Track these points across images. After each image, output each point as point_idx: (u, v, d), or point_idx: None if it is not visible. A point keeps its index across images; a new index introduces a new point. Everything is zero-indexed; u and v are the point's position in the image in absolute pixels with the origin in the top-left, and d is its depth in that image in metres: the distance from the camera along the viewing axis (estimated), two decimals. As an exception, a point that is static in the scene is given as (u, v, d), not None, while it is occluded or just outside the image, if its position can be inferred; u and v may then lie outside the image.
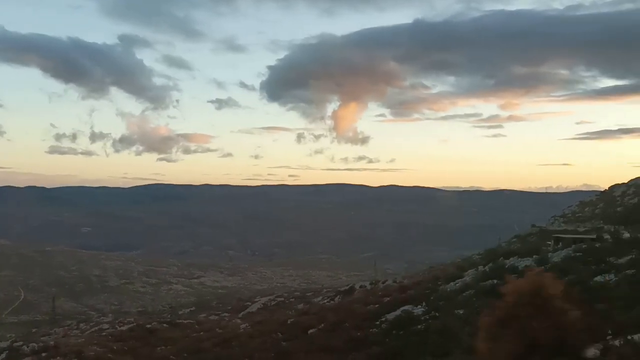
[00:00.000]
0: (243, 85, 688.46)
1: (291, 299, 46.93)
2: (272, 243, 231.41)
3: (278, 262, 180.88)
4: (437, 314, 18.73)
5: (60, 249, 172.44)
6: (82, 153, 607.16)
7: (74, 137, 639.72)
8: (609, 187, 74.14)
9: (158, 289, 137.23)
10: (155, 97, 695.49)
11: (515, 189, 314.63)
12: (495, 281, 19.11)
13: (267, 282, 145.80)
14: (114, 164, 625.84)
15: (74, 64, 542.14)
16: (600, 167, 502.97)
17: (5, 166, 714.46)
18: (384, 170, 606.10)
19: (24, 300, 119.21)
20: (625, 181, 71.77)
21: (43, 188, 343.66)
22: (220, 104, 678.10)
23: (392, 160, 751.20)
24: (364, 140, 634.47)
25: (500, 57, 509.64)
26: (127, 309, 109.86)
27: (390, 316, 19.64)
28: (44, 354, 24.46)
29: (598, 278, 17.12)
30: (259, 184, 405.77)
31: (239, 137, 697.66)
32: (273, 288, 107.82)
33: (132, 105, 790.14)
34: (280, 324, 24.26)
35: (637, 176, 70.41)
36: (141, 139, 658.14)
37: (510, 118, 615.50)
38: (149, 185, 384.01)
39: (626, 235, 22.95)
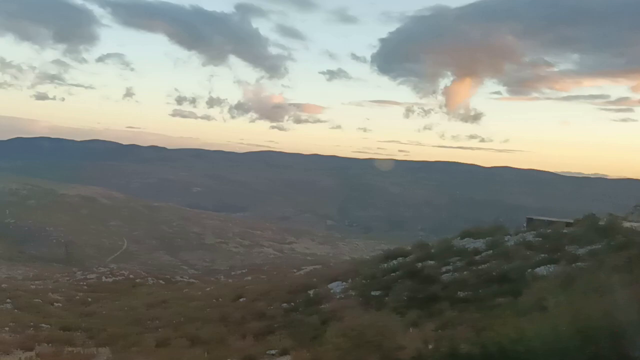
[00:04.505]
0: (354, 57, 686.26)
1: (326, 268, 44.95)
2: (372, 216, 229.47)
3: (373, 235, 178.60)
4: (353, 293, 15.89)
5: (166, 205, 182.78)
6: (201, 117, 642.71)
7: (194, 101, 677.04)
8: None
9: (250, 251, 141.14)
10: (270, 66, 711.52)
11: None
12: (429, 262, 15.80)
13: (357, 253, 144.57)
14: (230, 129, 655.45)
15: (196, 31, 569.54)
16: None
17: (135, 126, 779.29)
18: (497, 150, 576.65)
19: (126, 250, 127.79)
20: None
21: (164, 148, 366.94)
22: (331, 75, 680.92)
23: (506, 141, 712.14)
24: (477, 118, 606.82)
25: (632, 34, 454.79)
26: (218, 266, 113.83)
27: (312, 292, 17.06)
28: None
29: (541, 269, 13.34)
30: (368, 157, 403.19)
31: (349, 109, 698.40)
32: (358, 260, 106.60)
33: (248, 73, 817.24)
34: (233, 289, 22.47)
35: None
36: (256, 106, 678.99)
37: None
38: (262, 152, 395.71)
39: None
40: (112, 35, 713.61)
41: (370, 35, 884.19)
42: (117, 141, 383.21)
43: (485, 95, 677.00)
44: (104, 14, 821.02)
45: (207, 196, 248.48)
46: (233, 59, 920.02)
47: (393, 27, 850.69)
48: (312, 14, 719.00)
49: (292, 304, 16.52)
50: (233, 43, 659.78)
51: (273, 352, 10.42)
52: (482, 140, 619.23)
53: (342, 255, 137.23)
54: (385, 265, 17.45)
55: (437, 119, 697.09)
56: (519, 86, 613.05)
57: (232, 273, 61.86)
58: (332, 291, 16.37)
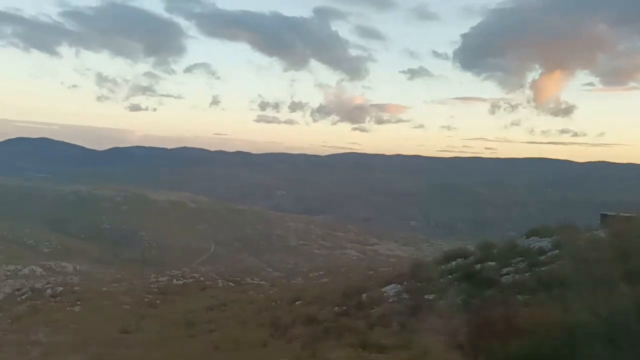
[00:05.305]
0: (435, 54, 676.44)
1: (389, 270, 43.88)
2: (458, 217, 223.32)
3: (459, 237, 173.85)
4: (406, 297, 15.03)
5: (250, 208, 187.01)
6: (284, 122, 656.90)
7: (277, 106, 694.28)
8: None
9: (332, 253, 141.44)
10: (351, 68, 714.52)
11: None
12: (489, 263, 14.61)
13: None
14: (313, 132, 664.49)
15: (277, 38, 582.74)
16: None
17: (222, 132, 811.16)
18: (591, 144, 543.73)
19: (213, 253, 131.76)
20: None
21: (249, 153, 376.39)
22: (412, 73, 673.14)
23: (601, 134, 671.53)
24: (568, 112, 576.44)
25: None
26: (301, 268, 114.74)
27: (366, 295, 16.28)
28: (59, 298, 25.49)
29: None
30: (452, 156, 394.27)
31: (432, 108, 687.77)
32: (417, 261, 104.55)
33: (329, 76, 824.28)
34: (297, 291, 22.09)
35: None
36: (337, 109, 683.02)
37: None
38: (344, 154, 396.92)
39: None
40: (198, 46, 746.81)
41: (451, 31, 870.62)
42: (205, 148, 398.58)
43: (577, 87, 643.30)
44: (190, 26, 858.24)
45: (290, 199, 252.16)
46: (313, 63, 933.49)
47: (475, 21, 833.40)
48: (391, 14, 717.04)
49: (344, 307, 15.82)
50: (313, 47, 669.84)
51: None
52: (575, 134, 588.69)
53: (426, 257, 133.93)
54: (443, 266, 16.38)
55: (526, 114, 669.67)
56: (614, 76, 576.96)
57: (310, 275, 61.80)
58: (385, 294, 15.52)
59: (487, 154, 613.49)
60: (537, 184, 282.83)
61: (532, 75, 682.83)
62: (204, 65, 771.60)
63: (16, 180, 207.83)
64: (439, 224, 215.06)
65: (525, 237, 16.53)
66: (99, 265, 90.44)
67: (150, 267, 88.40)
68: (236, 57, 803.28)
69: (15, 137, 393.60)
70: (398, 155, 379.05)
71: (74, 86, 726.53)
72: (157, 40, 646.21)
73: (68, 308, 22.71)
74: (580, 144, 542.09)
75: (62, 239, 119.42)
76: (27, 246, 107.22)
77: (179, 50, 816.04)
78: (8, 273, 69.11)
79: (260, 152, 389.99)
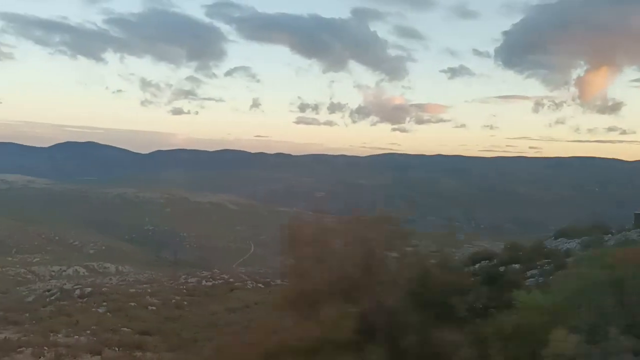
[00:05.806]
0: (476, 52, 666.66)
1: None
2: (501, 217, 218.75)
3: (502, 237, 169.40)
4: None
5: (289, 210, 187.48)
6: (324, 123, 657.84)
7: (316, 108, 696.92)
8: None
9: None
10: (390, 68, 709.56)
11: None
12: (514, 266, 13.88)
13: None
14: (352, 133, 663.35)
15: (315, 40, 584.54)
16: None
17: (262, 134, 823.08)
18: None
19: (253, 254, 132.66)
20: None
21: (289, 155, 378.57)
22: (452, 73, 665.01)
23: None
24: (616, 109, 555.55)
25: None
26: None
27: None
28: (86, 299, 25.74)
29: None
30: (495, 156, 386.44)
31: (473, 107, 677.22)
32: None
33: (368, 76, 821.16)
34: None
35: None
36: (377, 109, 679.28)
37: None
38: (384, 154, 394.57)
39: None
40: (238, 49, 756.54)
41: (492, 29, 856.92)
42: (246, 150, 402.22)
43: (625, 83, 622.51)
44: (230, 30, 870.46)
45: (330, 200, 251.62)
46: (352, 64, 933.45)
47: (516, 18, 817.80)
48: (430, 13, 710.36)
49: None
50: (352, 48, 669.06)
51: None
52: (623, 132, 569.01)
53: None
54: (467, 269, 15.68)
55: (571, 112, 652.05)
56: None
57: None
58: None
59: (531, 153, 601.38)
60: (584, 183, 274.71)
61: (577, 72, 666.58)
62: (244, 69, 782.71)
63: (64, 183, 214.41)
64: (482, 225, 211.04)
65: (553, 238, 15.72)
66: (141, 266, 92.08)
67: (191, 269, 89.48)
68: (275, 60, 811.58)
69: (63, 141, 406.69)
70: (439, 156, 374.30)
71: (119, 91, 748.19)
72: (198, 45, 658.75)
73: (93, 309, 22.97)
74: (629, 141, 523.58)
75: (107, 240, 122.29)
76: (73, 247, 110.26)
77: (220, 54, 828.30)
78: (53, 273, 71.25)
79: (300, 154, 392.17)
